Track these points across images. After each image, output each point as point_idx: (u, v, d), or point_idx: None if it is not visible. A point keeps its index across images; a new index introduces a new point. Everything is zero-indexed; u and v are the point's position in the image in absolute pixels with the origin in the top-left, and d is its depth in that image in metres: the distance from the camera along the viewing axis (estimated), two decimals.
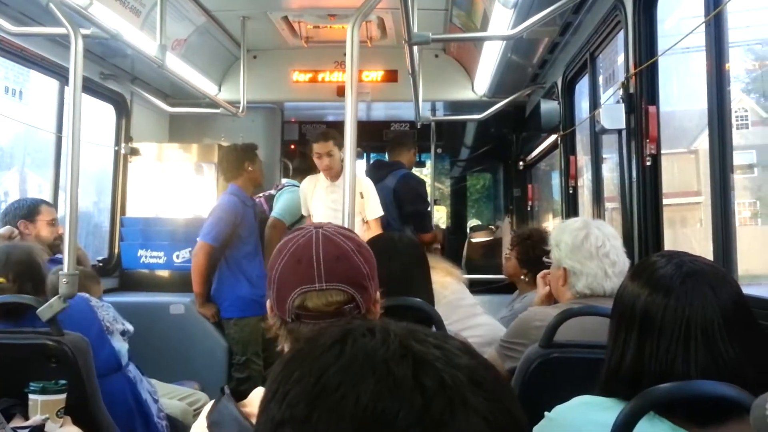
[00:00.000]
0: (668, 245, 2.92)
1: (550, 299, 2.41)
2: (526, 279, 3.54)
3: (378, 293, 1.35)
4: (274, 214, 4.83)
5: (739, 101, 4.07)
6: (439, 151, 6.90)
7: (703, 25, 2.32)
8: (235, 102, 5.05)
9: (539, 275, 2.52)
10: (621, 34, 3.16)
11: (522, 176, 6.60)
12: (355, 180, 2.53)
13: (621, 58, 3.27)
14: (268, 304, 1.36)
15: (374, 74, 5.60)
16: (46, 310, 2.23)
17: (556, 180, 5.56)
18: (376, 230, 4.27)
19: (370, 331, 0.62)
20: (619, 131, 2.98)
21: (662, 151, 2.87)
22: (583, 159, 4.46)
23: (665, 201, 2.99)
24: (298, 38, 5.27)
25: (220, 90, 5.62)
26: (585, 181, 4.41)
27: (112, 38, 2.96)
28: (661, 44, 2.91)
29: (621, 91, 2.98)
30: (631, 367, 1.27)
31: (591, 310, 2.02)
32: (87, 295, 2.72)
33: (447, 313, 2.77)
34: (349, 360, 0.58)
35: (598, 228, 2.29)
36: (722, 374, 1.19)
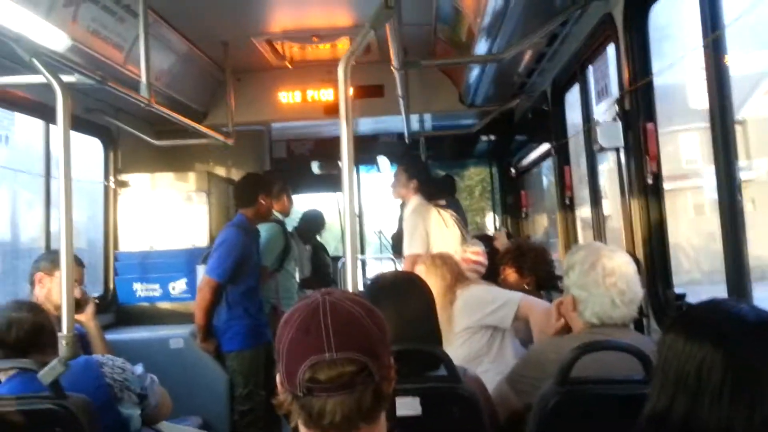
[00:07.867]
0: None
1: (566, 329, 2.37)
2: (529, 287, 3.70)
3: (392, 359, 1.30)
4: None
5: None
6: (429, 162, 6.85)
7: (701, 41, 2.26)
8: (223, 125, 4.99)
9: (553, 304, 2.48)
10: (611, 45, 3.12)
11: (515, 183, 6.56)
12: (353, 198, 2.50)
13: (612, 70, 3.22)
14: (278, 378, 1.31)
15: (360, 90, 5.53)
16: (47, 373, 2.17)
17: (547, 183, 5.53)
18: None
19: None
20: (617, 149, 2.94)
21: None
22: (578, 163, 4.39)
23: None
24: (282, 60, 5.22)
25: (206, 116, 5.55)
26: (581, 191, 4.35)
27: (97, 84, 2.90)
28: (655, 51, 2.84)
29: (616, 107, 2.93)
30: (679, 422, 1.23)
31: (607, 345, 1.98)
32: (98, 357, 2.59)
33: None
34: None
35: (608, 255, 2.24)
36: None
